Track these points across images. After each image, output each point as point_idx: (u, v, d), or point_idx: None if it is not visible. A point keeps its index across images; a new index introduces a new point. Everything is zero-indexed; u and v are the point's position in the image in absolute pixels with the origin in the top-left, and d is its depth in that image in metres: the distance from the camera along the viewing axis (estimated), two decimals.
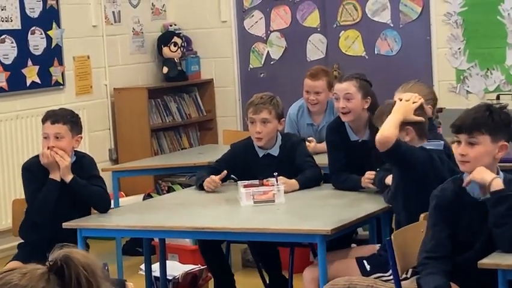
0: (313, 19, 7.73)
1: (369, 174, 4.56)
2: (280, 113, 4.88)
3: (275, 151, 4.90)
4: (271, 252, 5.02)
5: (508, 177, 3.51)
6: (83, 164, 4.61)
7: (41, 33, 6.98)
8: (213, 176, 4.82)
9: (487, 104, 3.62)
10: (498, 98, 6.95)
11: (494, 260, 3.30)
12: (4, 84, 6.72)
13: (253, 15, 7.96)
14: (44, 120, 4.57)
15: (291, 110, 5.90)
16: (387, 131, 3.96)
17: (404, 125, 4.04)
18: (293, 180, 4.71)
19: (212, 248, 4.93)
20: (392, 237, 3.61)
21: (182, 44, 8.02)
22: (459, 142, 3.48)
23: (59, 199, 4.47)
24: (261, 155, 4.91)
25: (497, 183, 3.42)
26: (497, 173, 3.50)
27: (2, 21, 6.69)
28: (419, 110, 4.11)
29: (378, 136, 3.98)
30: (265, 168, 4.80)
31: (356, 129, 4.82)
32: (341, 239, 4.37)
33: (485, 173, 3.43)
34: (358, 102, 4.77)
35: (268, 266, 5.09)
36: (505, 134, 3.49)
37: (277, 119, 4.87)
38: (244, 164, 4.94)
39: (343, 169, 4.74)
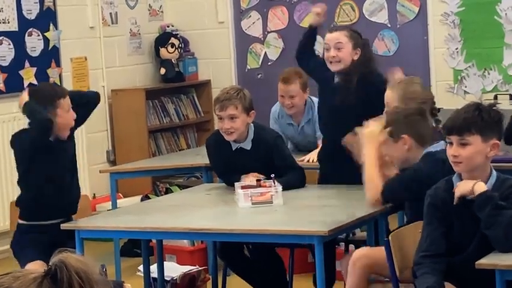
0: (310, 20, 7.72)
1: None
2: (248, 106, 4.74)
3: (247, 145, 4.80)
4: (273, 259, 4.95)
5: (501, 177, 3.51)
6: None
7: (38, 35, 6.98)
8: None
9: (476, 103, 3.60)
10: (496, 97, 6.94)
11: (492, 260, 3.30)
12: (1, 86, 6.71)
13: (250, 16, 7.97)
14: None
15: (272, 110, 5.90)
16: (370, 193, 4.01)
17: (398, 134, 4.00)
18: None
19: (233, 252, 4.86)
20: (390, 238, 3.61)
21: (180, 45, 8.01)
22: (451, 143, 3.48)
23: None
24: (234, 148, 4.83)
25: (480, 187, 3.42)
26: (491, 173, 3.50)
27: None
28: (421, 115, 4.07)
29: (367, 202, 4.03)
30: (239, 162, 4.76)
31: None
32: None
33: (466, 184, 3.45)
34: (348, 52, 4.82)
35: (270, 274, 4.95)
36: (495, 132, 3.49)
37: (246, 113, 4.73)
38: (220, 157, 4.90)
39: None
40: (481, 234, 3.44)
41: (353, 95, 4.75)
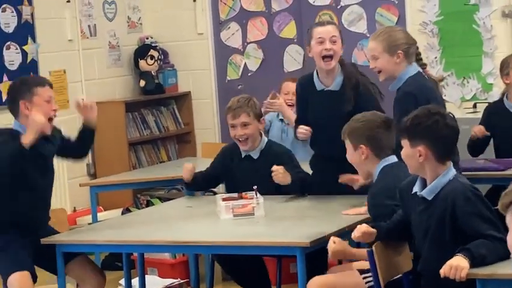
0: (290, 30, 7.74)
1: (302, 129, 4.71)
2: (258, 113, 4.92)
3: (255, 154, 4.91)
4: (257, 269, 4.93)
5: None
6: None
7: (16, 48, 6.95)
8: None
9: (422, 108, 3.69)
10: (475, 106, 6.99)
11: (472, 270, 3.29)
12: None
13: (229, 27, 7.96)
14: None
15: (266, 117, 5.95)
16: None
17: (357, 143, 4.01)
18: (288, 175, 4.71)
19: (231, 264, 4.86)
20: (373, 247, 3.61)
21: (159, 57, 8.00)
22: None
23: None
24: (243, 156, 4.94)
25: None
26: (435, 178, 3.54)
27: None
28: (386, 127, 4.06)
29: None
30: (244, 170, 4.85)
31: (328, 77, 4.82)
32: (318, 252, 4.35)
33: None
34: (340, 46, 4.81)
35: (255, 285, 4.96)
36: (422, 138, 3.53)
37: (257, 119, 4.90)
38: (228, 164, 4.97)
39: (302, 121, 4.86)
40: (423, 231, 3.55)
41: (350, 100, 4.74)
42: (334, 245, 3.76)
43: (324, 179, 4.77)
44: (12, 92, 4.54)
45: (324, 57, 4.76)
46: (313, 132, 4.82)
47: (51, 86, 4.56)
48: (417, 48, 4.59)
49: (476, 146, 5.54)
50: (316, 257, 4.47)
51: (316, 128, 4.80)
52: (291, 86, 5.91)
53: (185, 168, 5.04)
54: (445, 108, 4.41)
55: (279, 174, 4.69)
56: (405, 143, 3.59)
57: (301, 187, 4.78)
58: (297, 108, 5.07)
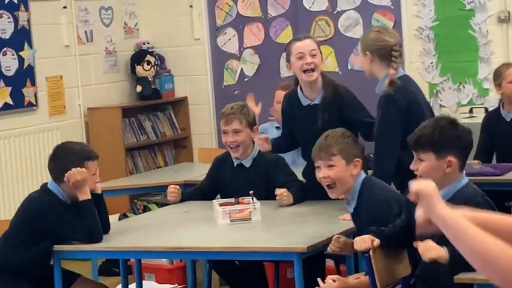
0: (286, 35, 7.75)
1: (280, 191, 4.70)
2: (252, 121, 4.90)
3: (247, 162, 4.91)
4: (255, 272, 4.93)
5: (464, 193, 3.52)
6: None
7: (13, 54, 6.94)
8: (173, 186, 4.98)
9: (435, 119, 3.67)
10: (471, 111, 7.00)
11: (470, 274, 3.29)
12: None
13: (226, 33, 7.97)
14: None
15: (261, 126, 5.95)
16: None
17: (352, 158, 3.97)
18: (291, 197, 4.73)
19: (226, 268, 4.87)
20: (371, 253, 3.61)
21: (156, 63, 8.00)
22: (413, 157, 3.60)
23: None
24: (235, 164, 4.94)
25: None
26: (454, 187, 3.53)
27: None
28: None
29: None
30: (237, 178, 4.85)
31: (312, 92, 4.83)
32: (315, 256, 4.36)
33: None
34: (320, 59, 4.82)
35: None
36: (451, 149, 3.52)
37: (249, 128, 4.88)
38: (222, 174, 4.98)
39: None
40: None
41: (335, 112, 4.76)
42: (334, 284, 3.74)
43: (317, 189, 4.80)
44: (61, 159, 4.40)
45: (305, 71, 4.78)
46: (302, 146, 4.93)
47: (98, 158, 4.49)
48: (393, 49, 4.49)
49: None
50: (313, 262, 4.48)
51: (304, 142, 4.82)
52: (283, 95, 5.85)
53: (170, 193, 5.01)
54: (432, 111, 4.44)
55: (284, 197, 4.69)
56: (428, 156, 3.52)
57: (302, 199, 4.79)
58: (282, 124, 5.13)
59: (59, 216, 4.31)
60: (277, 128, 6.18)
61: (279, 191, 4.69)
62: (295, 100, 4.91)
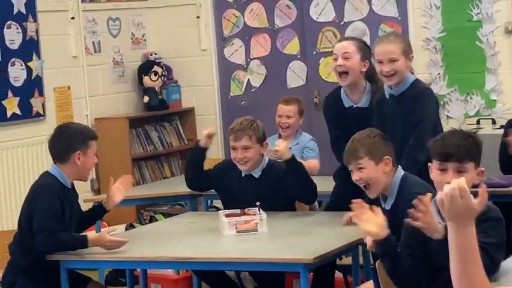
0: (293, 46, 7.77)
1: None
2: (261, 137, 4.85)
3: (256, 173, 4.89)
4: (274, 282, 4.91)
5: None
6: None
7: (21, 65, 6.97)
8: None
9: (463, 131, 3.59)
10: (478, 122, 6.99)
11: None
12: None
13: (233, 44, 7.99)
14: None
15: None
16: None
17: (381, 157, 3.96)
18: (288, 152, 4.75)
19: (214, 273, 4.85)
20: (376, 264, 3.61)
21: (163, 73, 8.02)
22: (443, 170, 3.41)
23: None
24: (243, 175, 4.91)
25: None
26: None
27: None
28: None
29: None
30: (245, 188, 4.82)
31: (352, 94, 4.83)
32: (323, 267, 4.35)
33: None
34: (356, 63, 4.77)
35: None
36: (479, 159, 3.49)
37: (259, 143, 4.84)
38: (227, 183, 4.94)
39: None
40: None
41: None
42: None
43: (347, 191, 4.78)
44: (67, 140, 4.42)
45: (339, 73, 4.80)
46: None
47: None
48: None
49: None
50: (322, 273, 4.48)
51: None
52: (284, 109, 5.86)
53: (204, 134, 4.98)
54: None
55: (279, 149, 4.70)
56: (471, 166, 3.41)
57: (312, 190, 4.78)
58: (330, 129, 5.04)
59: (53, 195, 4.31)
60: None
61: (277, 142, 4.76)
62: (336, 101, 4.92)
